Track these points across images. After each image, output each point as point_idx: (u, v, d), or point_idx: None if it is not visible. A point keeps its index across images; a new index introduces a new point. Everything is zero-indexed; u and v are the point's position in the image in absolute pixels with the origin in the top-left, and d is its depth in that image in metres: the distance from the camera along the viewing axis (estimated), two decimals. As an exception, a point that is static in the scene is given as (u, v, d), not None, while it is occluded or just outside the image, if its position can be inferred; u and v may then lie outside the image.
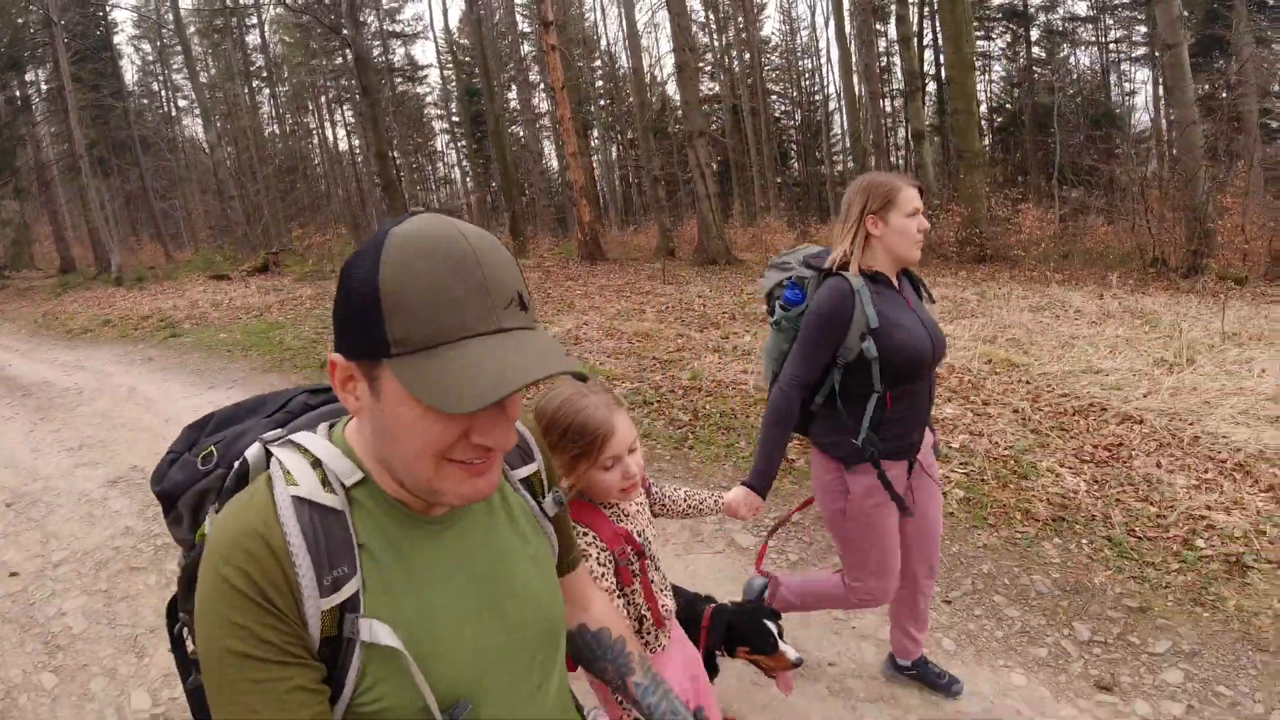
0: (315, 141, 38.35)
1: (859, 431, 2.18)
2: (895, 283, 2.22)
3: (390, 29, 36.32)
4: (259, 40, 32.82)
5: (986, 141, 30.84)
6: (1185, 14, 14.32)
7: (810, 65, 37.62)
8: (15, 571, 3.96)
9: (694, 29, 34.17)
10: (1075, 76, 30.34)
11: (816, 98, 37.23)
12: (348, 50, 19.03)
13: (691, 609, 2.25)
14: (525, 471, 1.06)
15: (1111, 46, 30.14)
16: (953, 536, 3.66)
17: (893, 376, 2.14)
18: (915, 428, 2.25)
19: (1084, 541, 3.50)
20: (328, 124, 38.61)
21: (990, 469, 4.34)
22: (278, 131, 35.16)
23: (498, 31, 30.46)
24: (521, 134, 34.10)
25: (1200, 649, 2.85)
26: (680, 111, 14.17)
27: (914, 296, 2.28)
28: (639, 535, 1.66)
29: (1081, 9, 30.00)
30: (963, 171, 12.45)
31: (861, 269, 2.18)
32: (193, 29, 30.83)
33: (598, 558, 1.58)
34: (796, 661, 2.09)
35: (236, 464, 0.90)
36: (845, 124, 31.81)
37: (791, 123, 38.17)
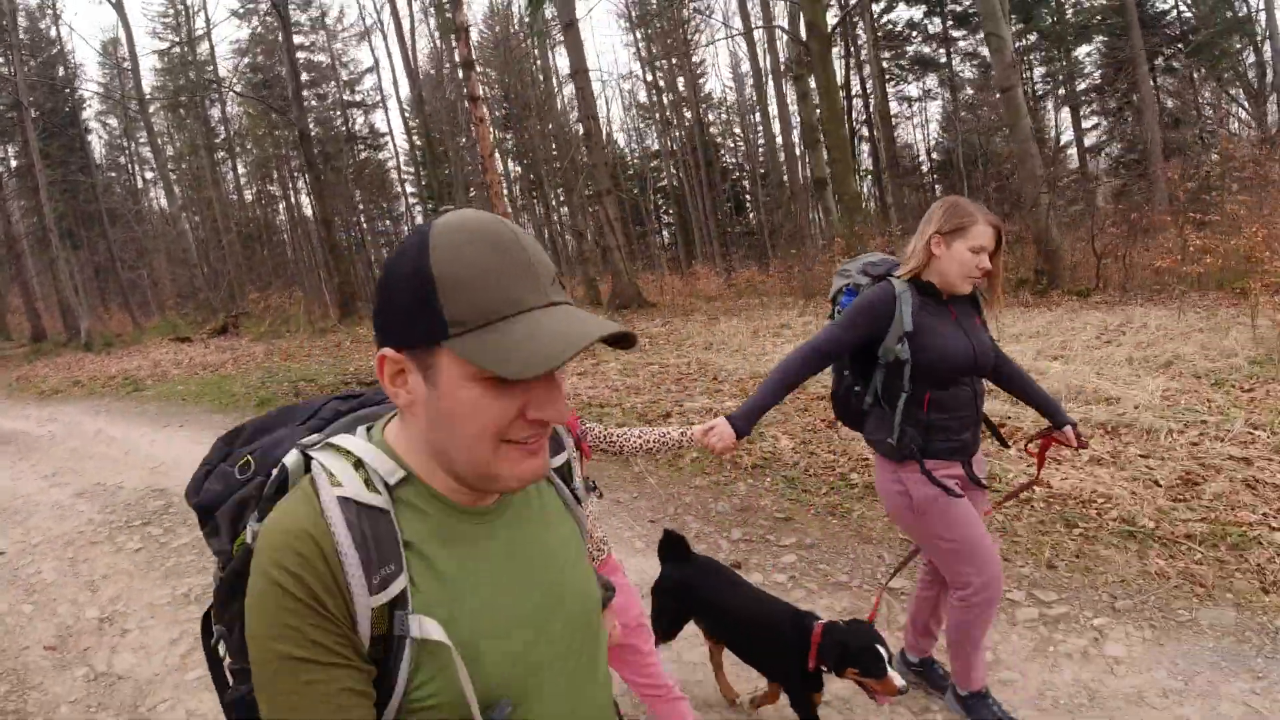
0: (280, 208, 39.82)
1: (897, 429, 2.31)
2: (945, 297, 2.32)
3: (350, 99, 38.06)
4: (221, 114, 34.40)
5: (929, 180, 33.05)
6: (1019, 59, 16.04)
7: (754, 120, 39.82)
8: (2, 551, 5.26)
9: (636, 87, 36.23)
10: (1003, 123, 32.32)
11: (764, 150, 39.34)
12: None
13: (797, 624, 2.27)
14: (558, 461, 1.08)
15: (1038, 87, 32.38)
16: (674, 480, 5.07)
17: (927, 380, 2.26)
18: (963, 430, 2.35)
19: (768, 480, 4.92)
20: (291, 191, 40.09)
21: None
22: (245, 199, 36.61)
23: (450, 100, 32.30)
24: (473, 194, 35.67)
25: (818, 543, 4.16)
26: (594, 172, 15.73)
27: (963, 312, 2.35)
28: None
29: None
30: (841, 214, 14.13)
31: (915, 277, 2.31)
32: (156, 106, 32.40)
33: None
34: (903, 689, 2.08)
35: (275, 471, 0.90)
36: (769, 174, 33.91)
37: (744, 174, 40.20)
